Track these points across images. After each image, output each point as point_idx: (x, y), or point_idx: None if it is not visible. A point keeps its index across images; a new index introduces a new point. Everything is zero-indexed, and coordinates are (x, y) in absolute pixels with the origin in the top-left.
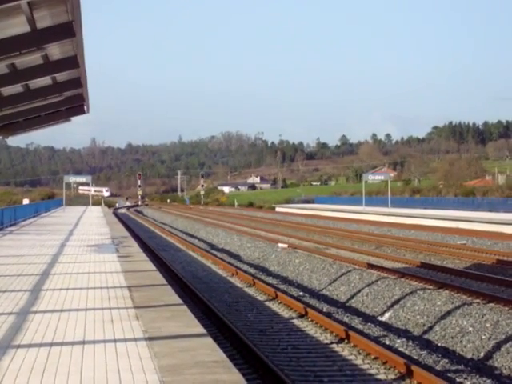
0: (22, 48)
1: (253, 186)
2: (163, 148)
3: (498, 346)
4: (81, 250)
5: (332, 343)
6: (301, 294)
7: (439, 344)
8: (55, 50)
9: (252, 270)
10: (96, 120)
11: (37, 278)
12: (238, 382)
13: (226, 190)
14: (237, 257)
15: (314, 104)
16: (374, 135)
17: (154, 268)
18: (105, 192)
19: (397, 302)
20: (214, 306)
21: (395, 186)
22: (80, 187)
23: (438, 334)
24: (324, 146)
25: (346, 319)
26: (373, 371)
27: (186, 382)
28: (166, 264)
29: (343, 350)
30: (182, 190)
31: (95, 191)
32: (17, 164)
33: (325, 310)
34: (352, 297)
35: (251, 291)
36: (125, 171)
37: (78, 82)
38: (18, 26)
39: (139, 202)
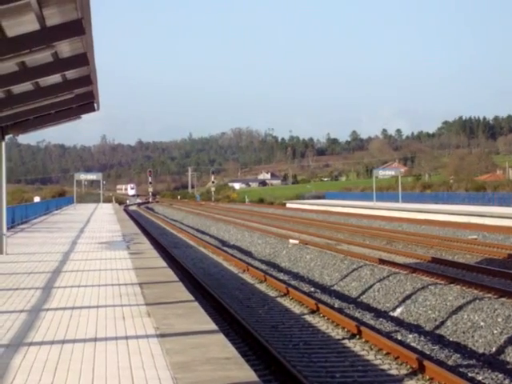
0: (32, 46)
1: (263, 183)
2: (173, 145)
3: (509, 341)
4: (92, 247)
5: (344, 339)
6: (312, 289)
7: (451, 339)
8: (65, 48)
9: (263, 266)
10: (106, 117)
11: (48, 276)
12: (249, 378)
13: (237, 186)
14: (248, 253)
15: (324, 100)
16: (385, 130)
17: (165, 265)
18: (130, 190)
19: (408, 297)
20: (226, 302)
21: (406, 181)
22: (118, 186)
23: (450, 328)
24: (334, 141)
25: (357, 315)
26: (385, 366)
27: (197, 378)
28: (177, 261)
29: (355, 345)
30: (192, 187)
31: (118, 189)
32: (27, 162)
33: (336, 305)
34: (363, 292)
35: (262, 287)
36: (135, 168)
37: (88, 80)
38: (27, 23)
39: (150, 199)
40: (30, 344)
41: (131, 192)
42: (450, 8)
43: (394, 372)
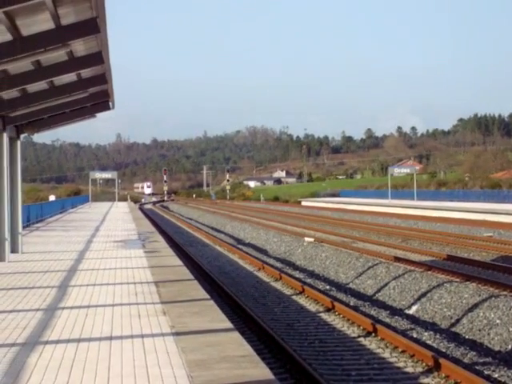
0: (47, 45)
1: (278, 181)
2: (188, 143)
3: None
4: (107, 245)
5: (359, 337)
6: (327, 287)
7: (467, 337)
8: (80, 47)
9: (278, 265)
10: (121, 116)
11: (64, 274)
12: (265, 376)
13: (252, 184)
14: (263, 251)
15: (338, 97)
16: (400, 128)
17: (180, 263)
18: (146, 188)
19: (424, 295)
20: (241, 300)
21: (421, 178)
22: (135, 184)
23: (466, 326)
24: (349, 139)
25: (373, 312)
26: (400, 364)
27: (213, 376)
28: (192, 259)
29: (370, 343)
30: (207, 185)
31: (135, 187)
32: (43, 161)
33: (352, 303)
34: (379, 290)
35: (278, 285)
36: (150, 167)
37: (103, 78)
38: (42, 22)
39: (165, 198)
40: (46, 343)
41: (147, 191)
42: (464, 5)
43: (409, 370)
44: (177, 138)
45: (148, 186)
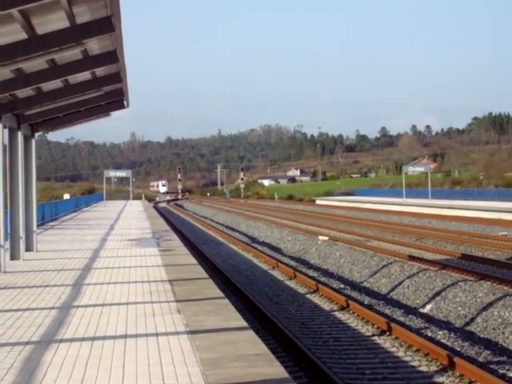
0: (62, 43)
1: (293, 179)
2: (203, 142)
3: None
4: (122, 244)
5: (374, 335)
6: (342, 286)
7: (481, 335)
8: (94, 45)
9: (293, 263)
10: (135, 114)
11: (78, 273)
12: (280, 375)
13: (266, 183)
14: (277, 250)
15: (353, 96)
16: (414, 127)
17: (195, 262)
18: (161, 187)
19: (438, 293)
20: (256, 299)
21: (435, 177)
22: (151, 183)
23: (480, 325)
24: (364, 138)
25: (387, 311)
26: (415, 363)
27: (228, 375)
28: (207, 257)
29: (385, 342)
30: (221, 184)
31: (151, 186)
32: (57, 159)
33: (366, 302)
34: (393, 289)
35: (292, 284)
36: (164, 165)
37: (118, 77)
38: (57, 21)
39: (179, 196)
40: (61, 341)
41: (163, 189)
42: (479, 3)
43: (424, 369)
44: (191, 137)
45: (163, 185)
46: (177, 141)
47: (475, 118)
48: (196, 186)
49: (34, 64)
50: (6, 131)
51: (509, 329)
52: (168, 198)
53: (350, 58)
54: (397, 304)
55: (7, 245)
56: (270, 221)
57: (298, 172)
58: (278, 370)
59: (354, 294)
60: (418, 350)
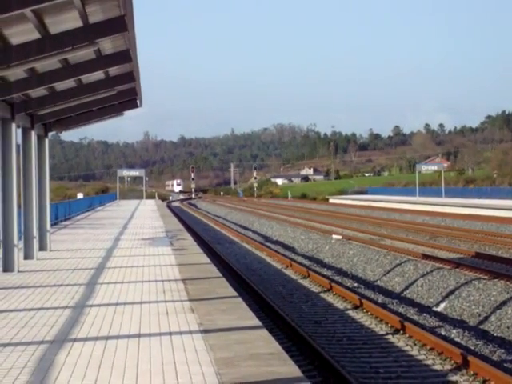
0: (75, 43)
1: (306, 178)
2: (216, 141)
3: None
4: (135, 243)
5: (387, 334)
6: (355, 285)
7: (495, 334)
8: (107, 45)
9: (306, 262)
10: (149, 114)
11: (92, 272)
12: (293, 373)
13: (279, 182)
14: (291, 249)
15: (366, 95)
16: (427, 125)
17: (208, 261)
18: (176, 186)
19: (452, 292)
20: (269, 298)
21: (449, 176)
22: (166, 182)
23: (494, 324)
24: (377, 136)
25: (401, 310)
26: (428, 362)
27: (241, 373)
28: (220, 257)
29: (399, 340)
30: (235, 183)
31: (167, 185)
32: (70, 159)
33: (380, 300)
34: (407, 287)
35: (306, 283)
36: (178, 164)
37: (131, 76)
38: (70, 21)
39: (192, 195)
40: (75, 340)
41: (177, 188)
42: (490, 2)
43: (437, 367)
44: (204, 136)
45: (178, 184)
46: (190, 140)
47: (489, 117)
48: (209, 185)
49: (47, 64)
50: (20, 131)
51: None
52: (181, 197)
53: (363, 57)
54: (410, 303)
55: (21, 244)
56: (283, 220)
57: (311, 171)
58: (291, 369)
59: (368, 293)
60: (431, 349)
